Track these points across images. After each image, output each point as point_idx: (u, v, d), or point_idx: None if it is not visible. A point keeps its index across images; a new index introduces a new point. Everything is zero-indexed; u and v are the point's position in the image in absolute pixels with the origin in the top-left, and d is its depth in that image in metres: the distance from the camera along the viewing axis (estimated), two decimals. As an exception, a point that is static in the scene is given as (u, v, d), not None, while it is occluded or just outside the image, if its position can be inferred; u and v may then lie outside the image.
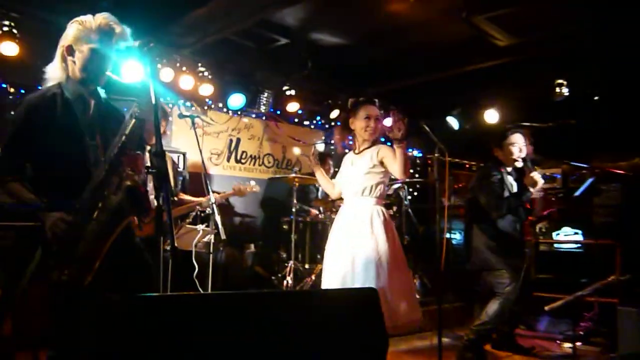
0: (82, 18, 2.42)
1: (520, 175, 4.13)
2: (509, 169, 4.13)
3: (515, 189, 4.07)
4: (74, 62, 2.43)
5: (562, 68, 5.93)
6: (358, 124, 3.48)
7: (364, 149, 3.50)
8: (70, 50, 2.43)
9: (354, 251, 3.25)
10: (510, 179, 4.10)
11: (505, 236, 4.00)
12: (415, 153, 7.29)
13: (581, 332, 4.69)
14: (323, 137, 7.41)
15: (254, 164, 6.75)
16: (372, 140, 3.48)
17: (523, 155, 4.07)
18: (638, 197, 6.58)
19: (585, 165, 5.32)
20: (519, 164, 4.10)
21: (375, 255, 3.20)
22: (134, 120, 2.37)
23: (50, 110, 2.35)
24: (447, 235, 5.68)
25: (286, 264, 5.41)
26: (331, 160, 6.47)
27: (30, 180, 2.34)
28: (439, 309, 3.07)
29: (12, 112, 2.52)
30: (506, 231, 4.01)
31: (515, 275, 3.91)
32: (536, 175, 3.89)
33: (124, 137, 2.33)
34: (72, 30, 2.42)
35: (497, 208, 3.93)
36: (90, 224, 2.25)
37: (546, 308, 4.05)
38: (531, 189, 3.90)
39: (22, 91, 4.92)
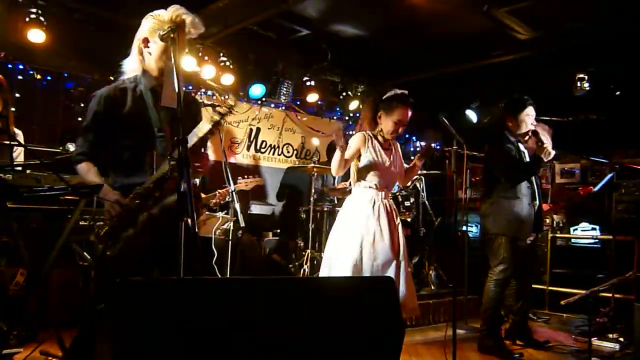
0: (156, 12, 2.52)
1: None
2: (520, 139, 4.18)
3: (527, 159, 4.11)
4: (150, 53, 2.51)
5: (584, 62, 5.83)
6: (388, 123, 3.43)
7: (388, 142, 3.54)
8: (146, 43, 2.51)
9: (399, 241, 3.36)
10: (522, 148, 4.15)
11: (519, 205, 4.02)
12: (433, 145, 7.25)
13: (597, 328, 4.65)
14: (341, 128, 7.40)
15: (273, 154, 6.77)
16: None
17: (534, 127, 4.09)
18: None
19: (604, 161, 5.23)
20: (527, 136, 4.13)
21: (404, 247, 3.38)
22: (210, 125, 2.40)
23: (120, 100, 2.48)
24: (464, 228, 5.66)
25: (303, 253, 5.43)
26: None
27: (101, 165, 2.47)
28: (454, 301, 3.06)
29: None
30: (521, 198, 4.02)
31: (512, 256, 3.95)
32: (548, 145, 3.92)
33: (196, 138, 2.37)
34: (147, 23, 2.51)
35: (514, 171, 4.00)
36: (142, 214, 2.30)
37: (562, 303, 4.02)
38: (544, 159, 3.92)
39: (49, 78, 4.98)
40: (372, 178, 3.41)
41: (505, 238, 3.99)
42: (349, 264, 3.22)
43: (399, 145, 3.65)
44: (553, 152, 3.94)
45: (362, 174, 3.44)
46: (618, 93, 6.03)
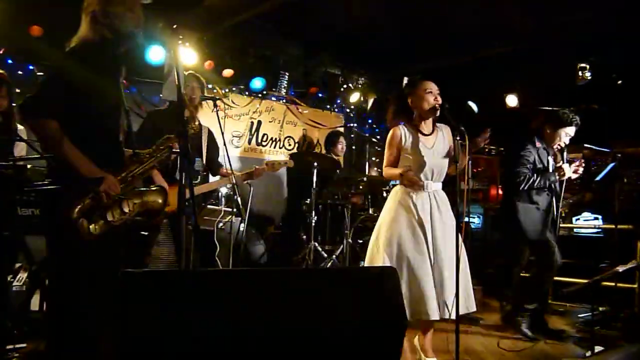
0: None
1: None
2: (544, 146, 4.29)
3: (548, 166, 4.25)
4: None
5: (586, 52, 5.81)
6: (421, 101, 3.28)
7: (433, 128, 3.40)
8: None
9: (451, 238, 3.19)
10: (545, 155, 4.26)
11: (537, 209, 4.20)
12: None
13: (600, 317, 4.66)
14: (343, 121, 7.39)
15: (274, 147, 6.77)
16: (434, 118, 3.38)
17: (563, 145, 4.26)
18: (660, 182, 6.46)
19: (606, 150, 5.24)
20: (557, 149, 4.29)
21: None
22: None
23: None
24: (466, 219, 5.66)
25: (306, 245, 5.43)
26: (344, 138, 6.46)
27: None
28: (457, 292, 3.06)
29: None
30: (538, 204, 4.20)
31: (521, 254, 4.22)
32: (565, 166, 4.11)
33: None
34: None
35: (520, 183, 4.11)
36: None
37: (564, 291, 4.05)
38: (557, 175, 4.12)
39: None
40: (414, 170, 3.26)
41: (519, 241, 4.27)
42: (384, 261, 3.11)
43: (449, 130, 3.43)
44: (569, 174, 4.13)
45: (402, 165, 3.31)
46: (620, 82, 6.00)
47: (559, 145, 4.24)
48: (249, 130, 6.54)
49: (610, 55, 5.79)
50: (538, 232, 4.20)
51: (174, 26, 2.36)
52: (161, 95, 5.30)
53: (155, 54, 3.98)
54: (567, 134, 4.22)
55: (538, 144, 4.25)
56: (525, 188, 4.14)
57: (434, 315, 3.10)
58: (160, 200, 2.31)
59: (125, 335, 1.37)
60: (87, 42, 2.34)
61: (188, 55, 5.32)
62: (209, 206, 4.06)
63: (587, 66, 5.64)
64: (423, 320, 3.16)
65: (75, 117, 2.21)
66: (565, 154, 4.24)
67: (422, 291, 3.08)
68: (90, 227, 2.14)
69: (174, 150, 2.29)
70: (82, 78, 2.23)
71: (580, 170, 4.26)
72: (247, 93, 6.37)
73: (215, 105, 3.71)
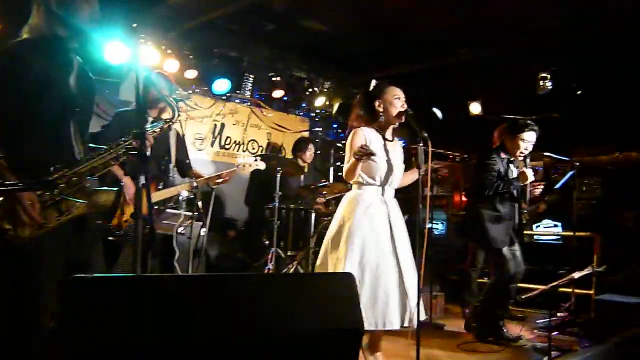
0: None
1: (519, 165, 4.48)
2: (512, 158, 4.42)
3: (513, 176, 4.38)
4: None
5: (547, 62, 5.97)
6: (390, 106, 3.31)
7: (393, 137, 3.47)
8: None
9: (408, 245, 3.32)
10: (512, 167, 4.42)
11: (501, 218, 4.32)
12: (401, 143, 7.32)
13: (558, 323, 4.78)
14: (308, 125, 7.40)
15: (238, 150, 6.72)
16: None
17: (527, 152, 4.36)
18: (618, 191, 6.70)
19: (565, 159, 5.40)
20: (520, 159, 4.41)
21: None
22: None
23: None
24: (429, 226, 5.73)
25: (269, 251, 5.41)
26: (313, 146, 6.47)
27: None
28: (419, 298, 3.10)
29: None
30: (502, 213, 4.31)
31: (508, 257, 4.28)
32: (528, 171, 4.22)
33: None
34: None
35: (486, 188, 4.25)
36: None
37: (522, 297, 4.12)
38: (521, 183, 4.25)
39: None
40: (373, 174, 3.28)
41: (481, 241, 4.43)
42: (341, 269, 3.09)
43: (400, 142, 3.55)
44: (532, 178, 4.25)
45: (362, 170, 3.27)
46: (580, 92, 6.18)
47: (521, 153, 4.35)
48: (212, 133, 6.48)
49: (570, 65, 5.96)
50: (498, 242, 4.30)
51: (135, 25, 2.30)
52: (119, 96, 5.24)
53: (113, 52, 3.91)
54: (525, 140, 4.31)
55: (503, 155, 4.37)
56: (491, 193, 4.24)
57: (398, 324, 3.12)
58: (112, 200, 2.25)
59: (75, 345, 1.33)
60: (37, 35, 2.27)
61: (149, 55, 5.24)
62: (168, 210, 4.00)
63: (548, 76, 5.78)
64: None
65: (15, 114, 2.14)
66: (528, 161, 4.35)
67: (387, 300, 3.10)
68: (18, 231, 2.07)
69: (131, 150, 2.24)
70: (25, 72, 2.17)
71: (538, 192, 4.39)
72: (210, 95, 6.30)
73: (176, 108, 3.65)
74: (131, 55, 4.27)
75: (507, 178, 4.34)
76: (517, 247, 4.40)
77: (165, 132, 3.92)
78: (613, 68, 5.74)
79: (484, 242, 4.49)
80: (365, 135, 3.29)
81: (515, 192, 4.34)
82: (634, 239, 5.90)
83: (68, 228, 2.23)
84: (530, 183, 4.28)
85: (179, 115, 2.57)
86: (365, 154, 3.02)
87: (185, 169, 4.29)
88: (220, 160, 6.49)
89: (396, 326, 3.11)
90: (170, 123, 2.57)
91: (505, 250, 4.29)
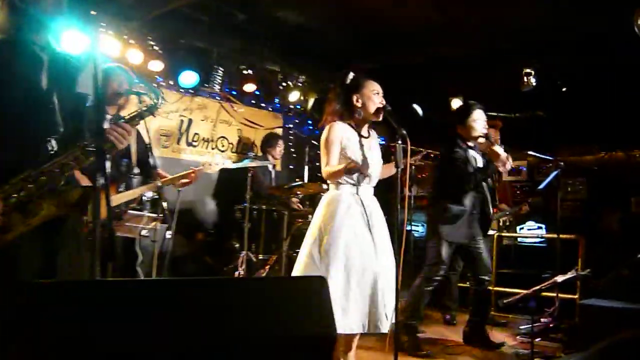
0: None
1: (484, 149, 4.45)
2: (472, 144, 4.39)
3: (480, 164, 4.36)
4: None
5: (531, 58, 6.07)
6: (368, 101, 3.33)
7: (369, 133, 3.47)
8: None
9: (389, 244, 3.35)
10: (473, 153, 4.38)
11: (462, 212, 4.28)
12: (379, 140, 7.35)
13: (541, 328, 4.87)
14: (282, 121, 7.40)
15: (206, 147, 6.69)
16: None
17: (485, 131, 4.33)
18: (603, 192, 6.86)
19: (549, 158, 5.49)
20: (482, 140, 4.36)
21: None
22: None
23: None
24: (408, 228, 5.78)
25: (238, 255, 5.40)
26: (282, 142, 6.48)
27: None
28: (396, 303, 3.12)
29: None
30: (466, 207, 4.29)
31: (446, 258, 4.27)
32: (498, 148, 4.17)
33: None
34: None
35: (467, 181, 4.23)
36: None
37: (503, 302, 4.19)
38: (494, 162, 4.19)
39: None
40: (350, 173, 3.27)
41: (443, 241, 4.28)
42: (335, 272, 3.12)
43: (376, 137, 3.56)
44: (504, 154, 4.16)
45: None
46: (565, 90, 6.30)
47: (480, 135, 4.33)
48: (179, 129, 6.43)
49: (555, 61, 6.08)
50: (464, 236, 4.31)
51: (93, 12, 2.28)
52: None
53: (70, 42, 3.85)
54: (476, 120, 4.33)
55: (463, 145, 4.36)
56: (472, 186, 4.25)
57: (385, 328, 3.19)
58: (75, 200, 2.22)
59: (33, 352, 1.32)
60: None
61: (110, 45, 5.18)
62: (130, 211, 3.96)
63: (532, 72, 5.88)
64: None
65: None
66: (491, 137, 4.33)
67: (373, 302, 3.16)
68: None
69: (88, 149, 2.21)
70: None
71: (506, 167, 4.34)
72: (177, 89, 6.26)
73: (140, 102, 3.62)
74: (89, 45, 4.21)
75: (475, 166, 4.33)
76: (480, 244, 4.35)
77: None
78: (598, 66, 5.87)
79: (450, 238, 4.34)
80: (341, 131, 3.32)
81: (481, 182, 4.33)
82: (619, 241, 6.06)
83: (43, 230, 2.20)
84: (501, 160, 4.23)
85: (161, 102, 2.54)
86: (357, 171, 3.15)
87: (148, 168, 4.25)
88: (187, 158, 6.45)
89: (384, 329, 3.20)
90: (151, 113, 2.53)
91: (446, 247, 4.29)
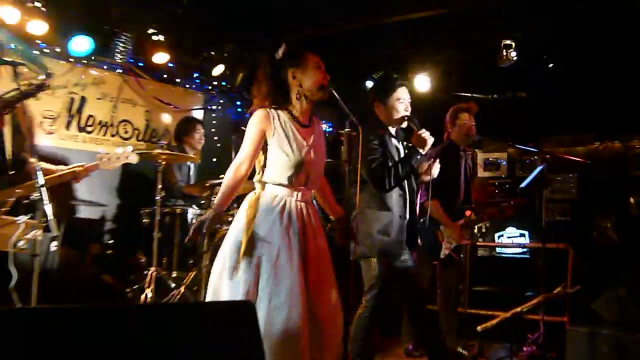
0: None
1: (408, 136, 4.36)
2: (392, 130, 4.38)
3: (402, 154, 4.35)
4: None
5: (511, 25, 6.16)
6: (308, 77, 3.35)
7: (310, 119, 3.48)
8: None
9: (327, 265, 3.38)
10: (394, 142, 4.36)
11: (387, 217, 4.20)
12: (324, 127, 7.40)
13: (524, 357, 5.01)
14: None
15: (104, 134, 6.60)
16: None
17: (408, 113, 4.30)
18: (596, 191, 7.10)
19: (534, 150, 5.61)
20: (404, 125, 4.34)
21: None
22: None
23: None
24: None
25: (146, 272, 5.34)
26: (202, 127, 6.45)
27: None
28: (346, 338, 3.17)
29: None
30: (391, 209, 4.20)
31: (386, 279, 4.16)
32: (425, 133, 4.13)
33: None
34: None
35: (382, 179, 4.12)
36: None
37: (478, 328, 4.29)
38: (420, 150, 4.14)
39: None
40: (283, 171, 3.30)
41: (374, 260, 4.17)
42: (239, 293, 3.12)
43: (322, 126, 3.59)
44: (431, 140, 4.14)
45: (267, 165, 3.32)
46: (551, 65, 6.47)
47: (403, 118, 4.29)
48: (68, 110, 6.31)
49: (541, 29, 6.19)
50: (376, 249, 4.19)
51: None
52: None
53: None
54: (400, 100, 4.29)
55: (382, 131, 4.32)
56: (392, 184, 4.14)
57: None
58: None
59: None
60: None
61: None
62: (2, 217, 3.86)
63: (512, 43, 5.97)
64: None
65: None
66: (416, 120, 4.25)
67: (297, 331, 3.16)
68: None
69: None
70: None
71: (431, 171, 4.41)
72: (66, 57, 6.13)
73: (16, 74, 3.55)
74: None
75: (397, 158, 4.28)
76: (407, 257, 4.30)
77: None
78: (593, 36, 6.00)
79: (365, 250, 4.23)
80: (273, 119, 3.32)
81: (407, 177, 4.25)
82: (615, 251, 6.29)
83: None
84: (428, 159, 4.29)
85: (48, 78, 2.49)
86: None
87: (25, 161, 4.15)
88: (79, 147, 6.36)
89: None
90: (34, 94, 2.48)
91: (378, 261, 4.19)
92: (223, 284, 3.24)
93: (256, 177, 3.40)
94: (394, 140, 4.35)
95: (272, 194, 3.32)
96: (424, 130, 4.13)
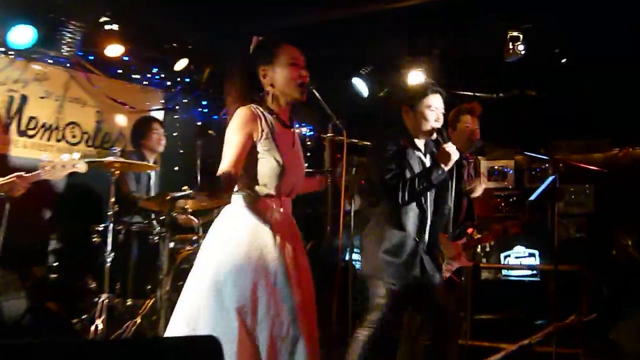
0: None
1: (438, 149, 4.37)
2: (420, 143, 4.35)
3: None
4: None
5: (519, 17, 6.18)
6: (282, 74, 3.33)
7: (291, 122, 3.49)
8: None
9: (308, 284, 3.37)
10: (418, 154, 4.32)
11: (396, 237, 4.19)
12: (304, 130, 7.40)
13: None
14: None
15: (48, 139, 6.60)
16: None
17: (439, 125, 4.27)
18: (615, 203, 7.13)
19: (545, 157, 5.63)
20: (433, 136, 4.31)
21: None
22: None
23: None
24: (347, 257, 5.80)
25: (96, 299, 5.29)
26: (161, 126, 6.42)
27: None
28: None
29: None
30: (406, 230, 4.19)
31: (391, 306, 4.14)
32: (449, 147, 4.10)
33: None
34: None
35: (396, 191, 4.11)
36: None
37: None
38: (443, 166, 4.12)
39: None
40: (271, 179, 3.29)
41: (379, 282, 4.18)
42: (230, 324, 3.08)
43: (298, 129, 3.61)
44: (456, 155, 4.11)
45: (252, 173, 3.29)
46: (564, 61, 6.51)
47: (432, 130, 4.26)
48: (7, 111, 6.28)
49: (552, 22, 6.24)
50: (385, 274, 4.20)
51: None
52: None
53: None
54: (431, 108, 4.26)
55: (405, 141, 4.28)
56: (407, 200, 4.13)
57: None
58: None
59: None
60: None
61: None
62: None
63: (520, 36, 6.01)
64: None
65: None
66: (445, 133, 4.26)
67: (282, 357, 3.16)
68: None
69: None
70: None
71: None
72: (4, 50, 6.10)
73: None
74: None
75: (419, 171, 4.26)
76: (428, 280, 4.27)
77: None
78: (610, 28, 6.02)
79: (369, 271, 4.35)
80: (260, 117, 3.29)
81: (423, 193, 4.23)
82: (636, 272, 6.31)
83: None
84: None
85: None
86: None
87: None
88: (19, 154, 6.33)
89: None
90: None
91: (383, 284, 4.19)
92: (206, 313, 3.21)
93: (237, 187, 3.32)
94: (418, 153, 4.30)
95: (261, 206, 3.29)
96: (450, 143, 4.11)
